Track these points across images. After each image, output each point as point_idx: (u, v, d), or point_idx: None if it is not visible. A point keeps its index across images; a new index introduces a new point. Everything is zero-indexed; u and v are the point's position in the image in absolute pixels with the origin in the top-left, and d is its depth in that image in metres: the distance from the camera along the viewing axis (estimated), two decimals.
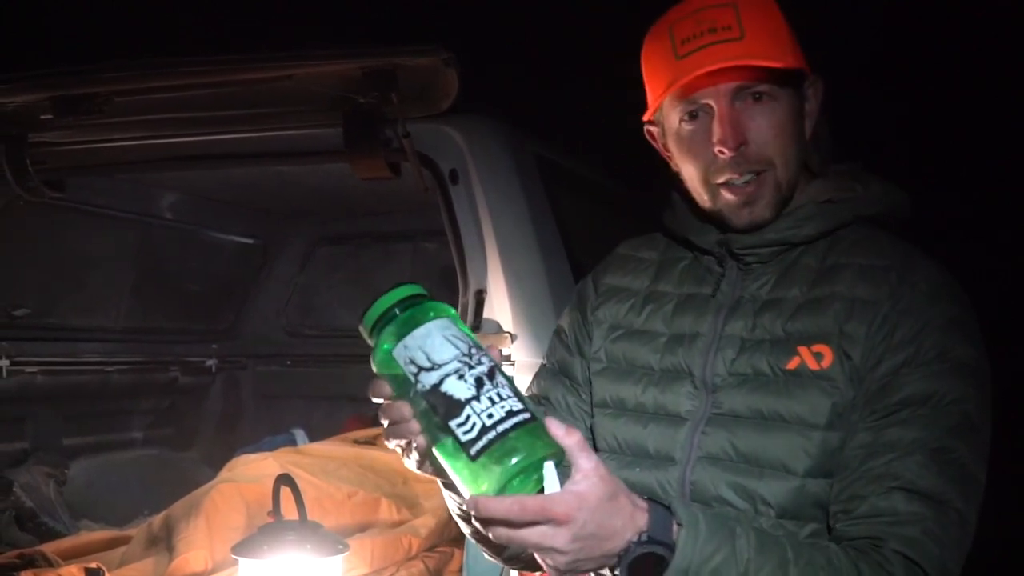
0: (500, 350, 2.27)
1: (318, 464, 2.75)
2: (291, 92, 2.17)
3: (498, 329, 2.29)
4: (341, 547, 1.83)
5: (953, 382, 1.23)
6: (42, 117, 2.29)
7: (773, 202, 1.35)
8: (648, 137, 1.48)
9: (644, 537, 1.07)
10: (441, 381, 1.06)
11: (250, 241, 3.98)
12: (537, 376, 1.59)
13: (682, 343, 1.40)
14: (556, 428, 1.04)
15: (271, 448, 3.12)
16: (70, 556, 2.46)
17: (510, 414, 1.03)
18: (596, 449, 1.47)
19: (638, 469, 1.38)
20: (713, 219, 1.41)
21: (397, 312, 1.13)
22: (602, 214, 3.15)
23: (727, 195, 1.35)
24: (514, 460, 1.01)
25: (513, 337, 2.26)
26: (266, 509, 1.84)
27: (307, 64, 2.06)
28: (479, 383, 1.05)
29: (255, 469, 2.65)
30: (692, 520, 1.11)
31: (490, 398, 1.04)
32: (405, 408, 1.10)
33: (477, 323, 2.30)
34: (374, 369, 1.14)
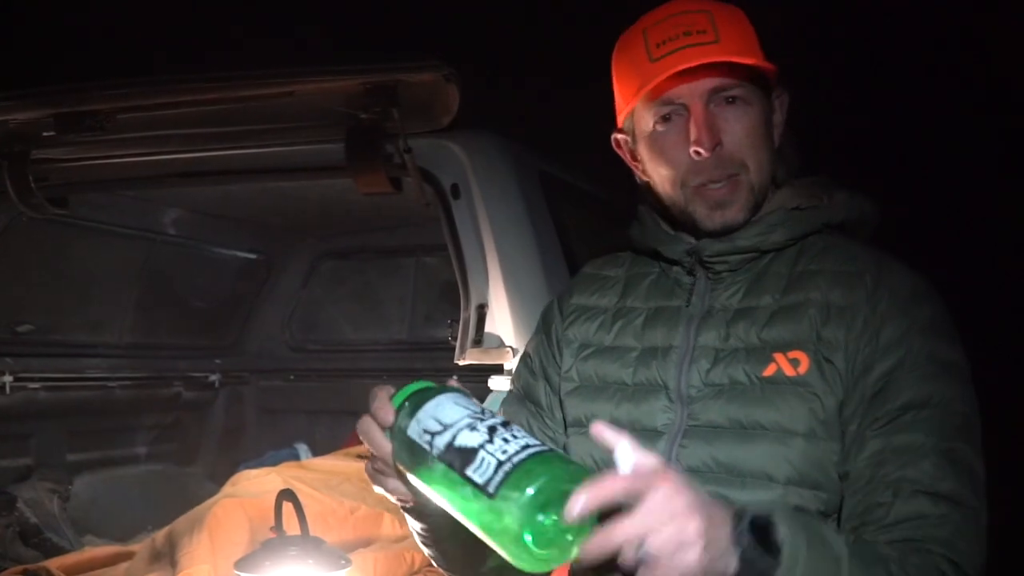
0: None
1: (321, 479, 2.74)
2: (293, 108, 2.18)
3: (500, 343, 2.29)
4: (344, 562, 1.83)
5: (947, 382, 1.24)
6: (45, 134, 2.30)
7: (746, 205, 1.35)
8: (615, 147, 1.48)
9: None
10: (454, 438, 1.04)
11: (253, 256, 3.99)
12: (504, 401, 1.59)
13: (655, 356, 1.38)
14: (602, 428, 1.01)
15: (274, 463, 3.11)
16: (74, 572, 2.47)
17: (525, 447, 0.98)
18: None
19: None
20: (685, 226, 1.40)
21: (406, 404, 1.14)
22: (605, 228, 3.15)
23: (702, 197, 1.35)
24: (535, 485, 0.93)
25: (515, 351, 2.26)
26: (269, 524, 1.84)
27: (309, 80, 2.07)
28: (491, 430, 1.02)
29: (258, 484, 2.65)
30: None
31: (504, 439, 1.00)
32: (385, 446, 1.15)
33: (479, 337, 2.30)
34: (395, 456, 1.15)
